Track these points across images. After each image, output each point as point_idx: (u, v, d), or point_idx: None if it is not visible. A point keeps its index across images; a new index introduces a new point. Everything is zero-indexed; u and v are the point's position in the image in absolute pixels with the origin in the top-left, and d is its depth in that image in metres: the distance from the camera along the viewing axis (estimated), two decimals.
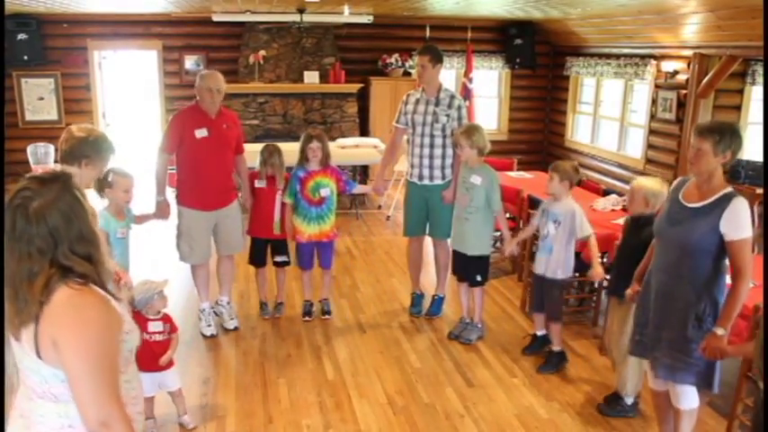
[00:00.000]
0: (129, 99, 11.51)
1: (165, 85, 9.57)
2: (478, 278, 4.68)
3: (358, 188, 5.43)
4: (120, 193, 3.67)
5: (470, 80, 9.26)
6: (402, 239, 7.20)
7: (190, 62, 9.52)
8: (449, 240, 4.90)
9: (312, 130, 5.01)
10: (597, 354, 4.58)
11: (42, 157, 8.21)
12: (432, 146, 4.81)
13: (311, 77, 9.39)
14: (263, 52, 9.19)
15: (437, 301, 5.18)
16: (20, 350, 1.69)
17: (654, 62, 7.94)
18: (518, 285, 5.75)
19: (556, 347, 4.38)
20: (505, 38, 10.11)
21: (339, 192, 4.96)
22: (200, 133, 4.43)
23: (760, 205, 6.88)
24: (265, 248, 5.04)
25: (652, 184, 3.69)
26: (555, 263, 4.22)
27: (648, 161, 8.25)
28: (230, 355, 4.50)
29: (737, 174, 7.25)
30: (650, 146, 8.22)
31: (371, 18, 9.09)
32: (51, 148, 8.22)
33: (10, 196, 1.70)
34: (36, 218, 1.64)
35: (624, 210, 5.57)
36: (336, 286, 5.74)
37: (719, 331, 2.80)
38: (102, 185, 3.64)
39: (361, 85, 9.57)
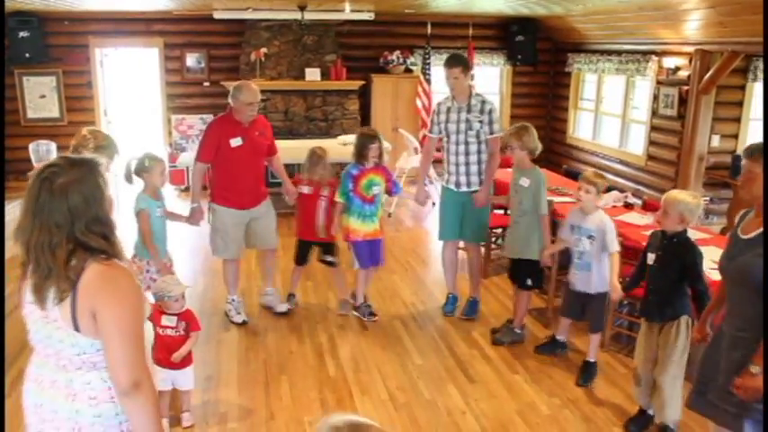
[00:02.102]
0: (131, 97, 11.52)
1: (167, 83, 9.57)
2: (528, 282, 4.55)
3: (402, 193, 5.33)
4: (157, 176, 4.03)
5: (472, 77, 9.24)
6: (405, 236, 7.24)
7: (191, 60, 9.52)
8: (478, 244, 5.00)
9: (369, 129, 5.06)
10: (599, 351, 4.58)
11: (44, 155, 8.18)
12: (467, 153, 4.80)
13: (313, 75, 9.39)
14: (264, 50, 9.18)
15: (471, 304, 5.13)
16: (45, 325, 1.84)
17: (655, 58, 7.93)
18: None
19: (591, 358, 4.25)
20: (507, 34, 10.09)
21: (386, 192, 4.98)
22: (235, 142, 4.57)
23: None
24: (309, 250, 5.11)
25: (689, 198, 3.41)
26: (593, 277, 4.07)
27: (650, 158, 8.25)
28: (232, 352, 4.52)
29: (739, 170, 7.24)
30: (652, 142, 8.21)
31: (372, 15, 9.09)
32: (53, 145, 8.21)
33: (39, 169, 1.84)
34: (59, 193, 1.78)
35: (627, 206, 5.57)
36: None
37: (754, 369, 2.51)
38: (139, 171, 4.01)
39: (363, 82, 9.57)
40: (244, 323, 4.91)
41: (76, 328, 1.81)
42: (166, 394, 3.52)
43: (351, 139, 8.49)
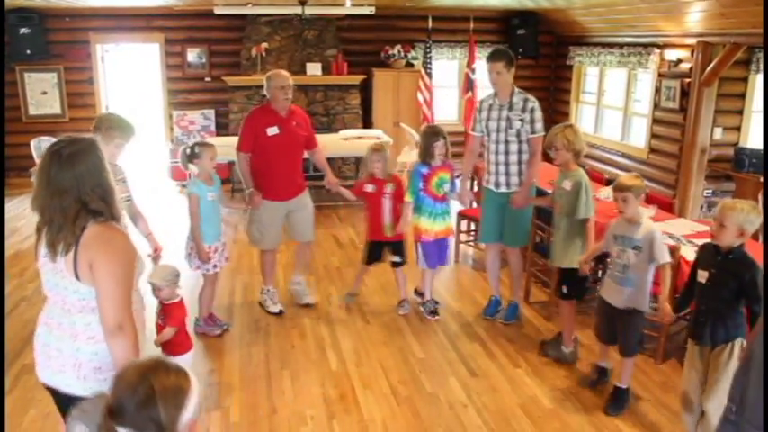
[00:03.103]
0: (132, 92, 11.51)
1: (168, 79, 9.57)
2: (564, 290, 4.19)
3: (455, 194, 5.02)
4: (207, 161, 4.35)
5: (473, 71, 9.24)
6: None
7: (192, 55, 9.52)
8: (518, 248, 4.85)
9: (433, 127, 4.98)
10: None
11: None
12: (507, 152, 4.61)
13: (314, 69, 9.38)
14: (265, 45, 9.18)
15: (512, 308, 4.95)
16: (54, 274, 2.20)
17: (657, 51, 7.91)
18: (521, 276, 5.74)
19: (624, 384, 3.81)
20: (508, 28, 10.07)
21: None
22: (272, 131, 4.69)
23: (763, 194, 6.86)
24: (380, 250, 5.08)
25: (748, 208, 3.01)
26: (636, 294, 3.62)
27: (652, 150, 8.23)
28: (234, 347, 4.53)
29: (741, 162, 7.23)
30: (654, 135, 8.19)
31: (373, 9, 9.07)
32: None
33: (48, 147, 2.21)
34: (67, 162, 2.13)
35: None
36: (340, 278, 5.76)
37: None
38: (191, 158, 4.35)
39: (364, 76, 9.56)
40: (280, 313, 5.01)
41: (77, 277, 2.15)
42: None
43: (352, 133, 8.56)
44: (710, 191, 7.70)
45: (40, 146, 8.36)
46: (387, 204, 4.91)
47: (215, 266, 4.54)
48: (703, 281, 3.18)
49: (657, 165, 8.14)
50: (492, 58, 4.60)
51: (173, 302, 3.55)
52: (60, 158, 2.13)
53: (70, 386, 2.25)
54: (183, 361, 3.55)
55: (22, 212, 7.89)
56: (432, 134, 4.75)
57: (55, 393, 2.33)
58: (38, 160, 8.09)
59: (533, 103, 4.60)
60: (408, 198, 4.81)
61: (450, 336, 4.72)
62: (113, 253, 2.15)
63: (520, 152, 4.61)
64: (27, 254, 6.30)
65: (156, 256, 3.88)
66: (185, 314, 3.62)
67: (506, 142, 4.60)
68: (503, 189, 4.69)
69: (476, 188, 6.20)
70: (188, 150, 4.38)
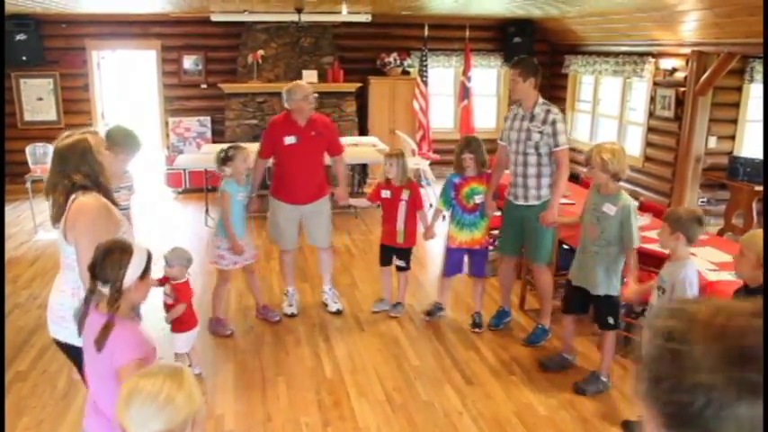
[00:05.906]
0: (128, 99, 11.51)
1: (164, 85, 9.58)
2: (610, 321, 3.95)
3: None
4: (240, 162, 4.56)
5: (469, 79, 9.27)
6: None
7: (188, 62, 9.53)
8: (545, 265, 4.64)
9: (466, 137, 4.96)
10: (596, 351, 4.58)
11: (41, 158, 8.20)
12: (525, 164, 4.48)
13: (310, 77, 9.38)
14: (261, 52, 9.20)
15: (538, 331, 4.73)
16: (58, 238, 2.76)
17: (652, 60, 7.95)
18: (516, 283, 5.75)
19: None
20: (504, 36, 10.11)
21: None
22: (289, 140, 4.81)
23: (758, 202, 6.89)
24: (391, 255, 5.14)
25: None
26: None
27: (647, 159, 8.27)
28: (229, 354, 4.51)
29: (736, 171, 7.27)
30: (649, 144, 8.23)
31: (370, 17, 9.10)
32: (50, 148, 8.14)
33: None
34: (59, 152, 2.76)
35: None
36: (335, 284, 5.74)
37: None
38: (224, 160, 4.56)
39: (360, 84, 9.58)
40: (292, 315, 5.13)
41: (66, 240, 2.70)
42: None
43: (348, 141, 8.54)
44: (705, 199, 7.73)
45: (35, 152, 8.34)
46: (402, 211, 4.93)
47: (235, 263, 4.73)
48: None
49: (652, 173, 8.17)
50: (511, 64, 4.67)
51: (181, 282, 3.99)
52: (55, 150, 2.76)
53: (56, 333, 2.80)
54: (189, 337, 4.02)
55: (17, 219, 7.87)
56: (462, 145, 4.76)
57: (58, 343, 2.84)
58: (33, 167, 8.11)
59: (555, 115, 4.42)
60: (440, 206, 4.87)
61: (446, 343, 4.71)
62: (85, 220, 2.66)
63: (539, 165, 4.46)
64: (21, 260, 6.27)
65: None
66: (192, 294, 4.09)
67: (525, 154, 4.48)
68: (520, 202, 4.58)
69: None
70: (222, 154, 4.60)
